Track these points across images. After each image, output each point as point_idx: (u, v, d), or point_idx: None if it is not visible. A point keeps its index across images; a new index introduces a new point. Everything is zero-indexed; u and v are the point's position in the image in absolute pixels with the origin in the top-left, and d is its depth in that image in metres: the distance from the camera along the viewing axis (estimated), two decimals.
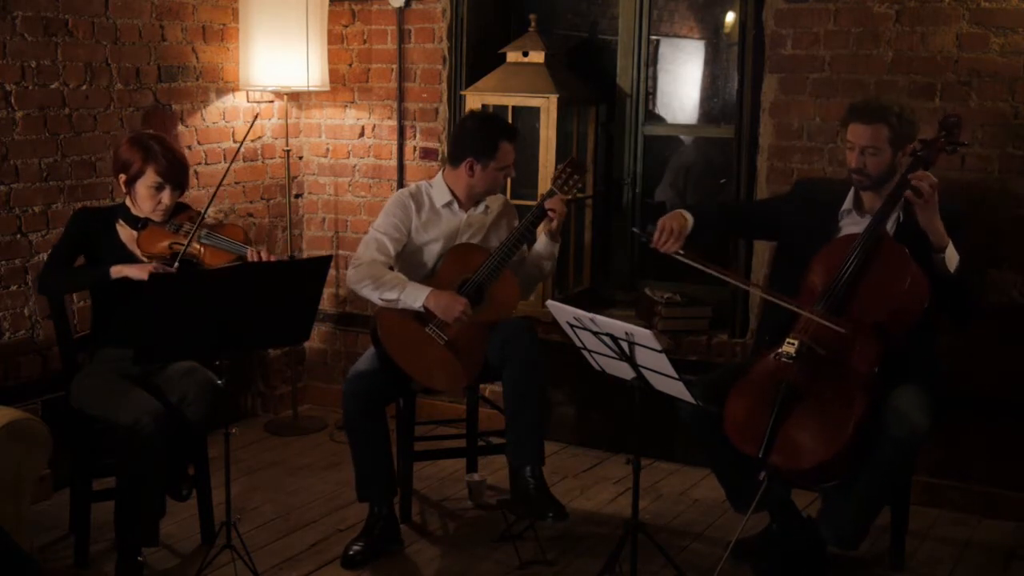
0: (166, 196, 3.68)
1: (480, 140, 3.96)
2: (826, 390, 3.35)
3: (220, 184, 3.94)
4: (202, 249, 3.69)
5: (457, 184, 4.03)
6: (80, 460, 3.70)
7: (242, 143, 4.04)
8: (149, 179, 3.66)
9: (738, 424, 3.41)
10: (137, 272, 3.58)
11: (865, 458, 3.32)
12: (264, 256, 3.64)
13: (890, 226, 3.49)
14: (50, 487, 4.22)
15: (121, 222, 3.74)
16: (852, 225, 3.59)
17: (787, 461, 3.29)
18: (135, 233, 3.70)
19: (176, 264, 3.60)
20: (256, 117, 4.20)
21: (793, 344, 3.39)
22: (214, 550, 3.54)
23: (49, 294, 3.76)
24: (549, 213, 3.95)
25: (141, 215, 3.72)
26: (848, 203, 3.62)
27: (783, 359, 3.40)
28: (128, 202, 3.75)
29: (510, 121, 4.69)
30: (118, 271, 3.61)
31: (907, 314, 3.37)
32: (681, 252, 3.54)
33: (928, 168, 3.40)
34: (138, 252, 3.70)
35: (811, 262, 3.52)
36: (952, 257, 3.36)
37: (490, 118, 4.14)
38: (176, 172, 3.69)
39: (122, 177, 3.71)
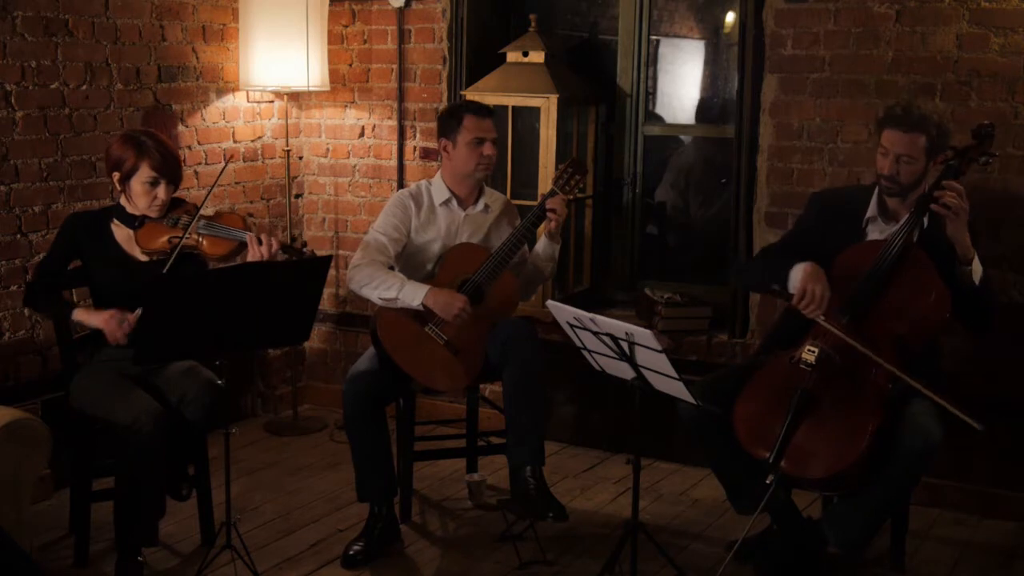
0: (162, 191, 3.67)
1: (445, 118, 4.04)
2: (842, 400, 3.33)
3: (217, 179, 3.93)
4: (201, 240, 3.68)
5: (447, 174, 4.05)
6: (80, 460, 3.69)
7: (224, 168, 4.01)
8: (144, 175, 3.65)
9: (750, 426, 3.39)
10: (95, 322, 3.59)
11: (877, 469, 3.29)
12: (264, 240, 3.60)
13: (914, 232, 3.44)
14: (50, 487, 4.22)
15: (116, 222, 3.74)
16: (877, 232, 3.54)
17: (798, 468, 3.28)
18: (132, 232, 3.69)
19: (173, 257, 3.59)
20: (230, 159, 4.13)
21: (813, 352, 3.35)
22: (214, 550, 3.54)
23: (29, 307, 3.77)
24: (549, 214, 3.94)
25: (137, 213, 3.71)
26: (872, 209, 3.56)
27: (801, 365, 3.37)
28: (123, 201, 3.74)
29: (510, 121, 4.71)
30: (78, 317, 3.64)
31: (928, 327, 3.35)
32: (822, 318, 3.40)
33: (958, 178, 3.33)
34: (136, 251, 3.69)
35: (835, 266, 3.46)
36: (978, 269, 3.33)
37: (460, 101, 4.18)
38: (170, 166, 3.68)
39: (116, 175, 3.69)
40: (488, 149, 3.97)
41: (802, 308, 3.40)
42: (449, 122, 4.00)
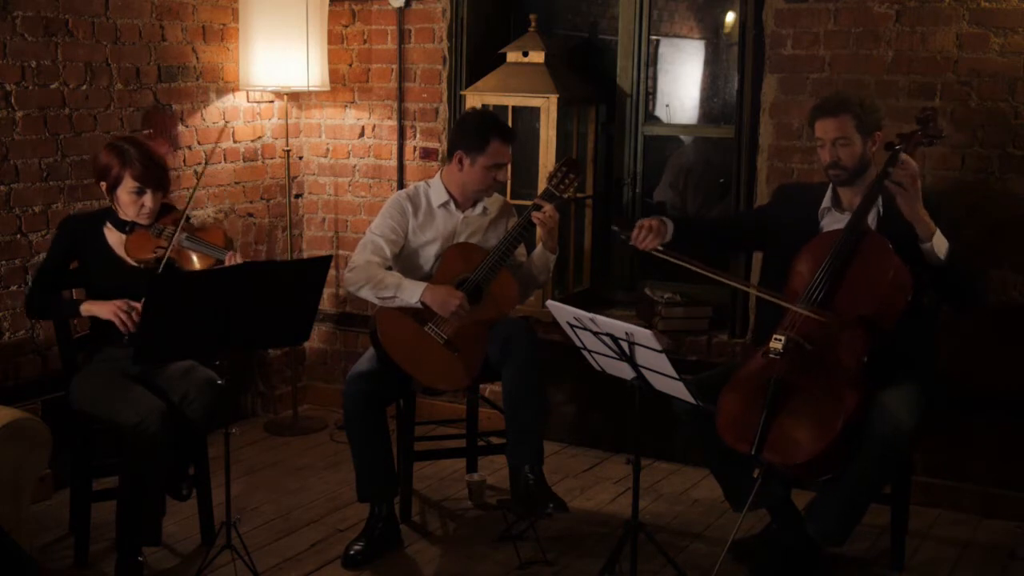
0: (148, 199, 3.66)
1: (471, 133, 3.94)
2: (815, 385, 3.36)
3: (195, 188, 3.91)
4: (188, 253, 3.68)
5: (451, 181, 4.03)
6: (80, 460, 3.69)
7: (201, 175, 4.01)
8: (128, 185, 3.64)
9: (730, 423, 3.42)
10: (104, 312, 3.59)
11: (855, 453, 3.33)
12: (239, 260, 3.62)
13: (872, 221, 3.51)
14: (50, 487, 4.22)
15: (109, 226, 3.73)
16: (833, 223, 3.62)
17: (780, 457, 3.30)
18: (123, 236, 3.70)
19: (160, 270, 3.59)
20: (217, 141, 4.11)
21: (780, 340, 3.40)
22: (214, 550, 3.54)
23: (32, 317, 3.79)
24: (534, 219, 3.92)
25: (127, 219, 3.71)
26: (827, 201, 3.66)
27: (771, 355, 3.41)
28: (115, 206, 3.75)
29: (510, 121, 4.71)
30: (86, 309, 3.65)
31: (892, 305, 3.39)
32: (660, 248, 3.60)
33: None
34: (126, 256, 3.69)
35: (795, 259, 3.55)
36: (940, 243, 3.37)
37: (488, 115, 4.12)
38: (154, 175, 3.66)
39: (103, 185, 3.70)
40: (503, 175, 3.99)
41: (639, 244, 3.62)
42: (473, 139, 3.92)
